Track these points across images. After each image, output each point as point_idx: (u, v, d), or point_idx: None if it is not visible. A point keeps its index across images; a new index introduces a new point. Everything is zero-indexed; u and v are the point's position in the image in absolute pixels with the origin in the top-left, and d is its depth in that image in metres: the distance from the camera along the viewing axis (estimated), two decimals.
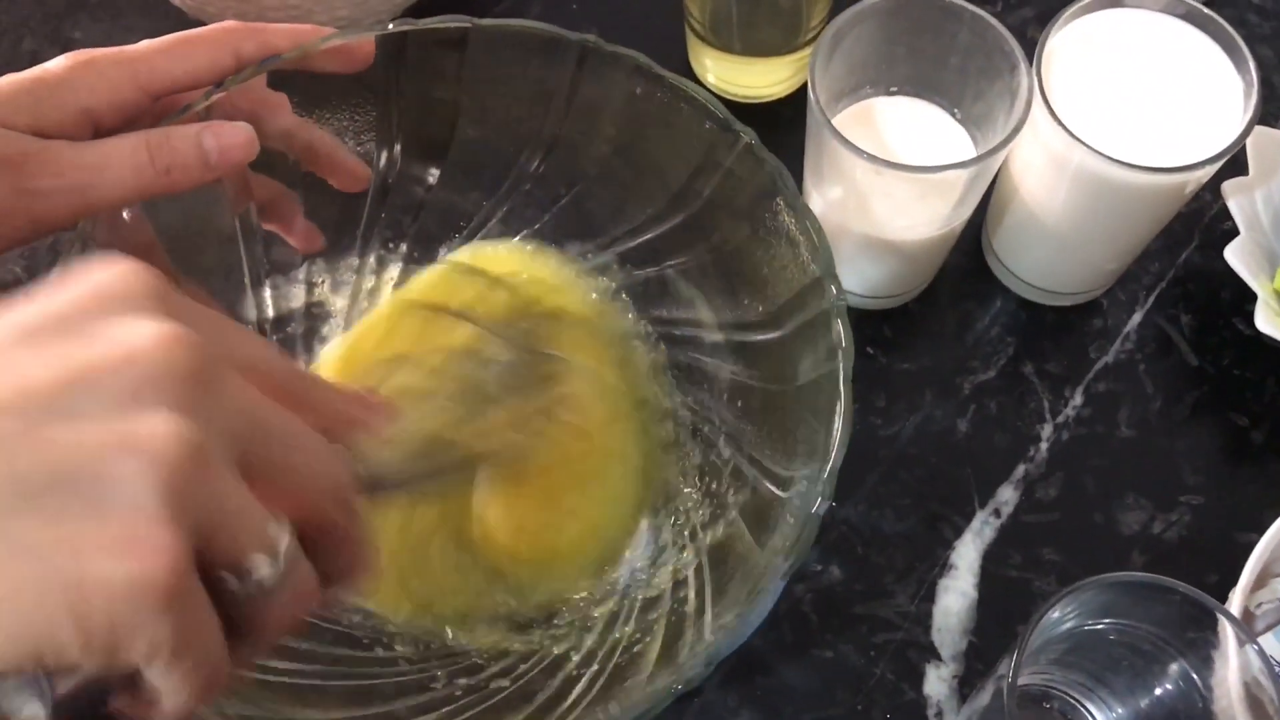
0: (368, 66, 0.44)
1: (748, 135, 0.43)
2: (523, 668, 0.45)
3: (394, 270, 0.53)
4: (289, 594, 0.27)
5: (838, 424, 0.39)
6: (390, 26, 0.44)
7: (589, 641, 0.46)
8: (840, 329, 0.40)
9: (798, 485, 0.41)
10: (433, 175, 0.51)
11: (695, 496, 0.49)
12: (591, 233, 0.52)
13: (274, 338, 0.50)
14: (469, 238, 0.53)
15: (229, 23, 0.42)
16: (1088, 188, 0.48)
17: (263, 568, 0.26)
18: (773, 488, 0.43)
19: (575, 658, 0.45)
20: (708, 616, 0.42)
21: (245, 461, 0.26)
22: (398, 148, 0.49)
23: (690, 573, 0.46)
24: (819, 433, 0.40)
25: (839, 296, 0.40)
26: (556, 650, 0.46)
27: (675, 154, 0.46)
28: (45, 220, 0.37)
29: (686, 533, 0.48)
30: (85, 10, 0.67)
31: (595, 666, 0.44)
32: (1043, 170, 0.50)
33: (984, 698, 0.46)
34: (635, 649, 0.44)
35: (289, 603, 0.27)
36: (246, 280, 0.49)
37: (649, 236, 0.50)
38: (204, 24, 0.61)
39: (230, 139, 0.39)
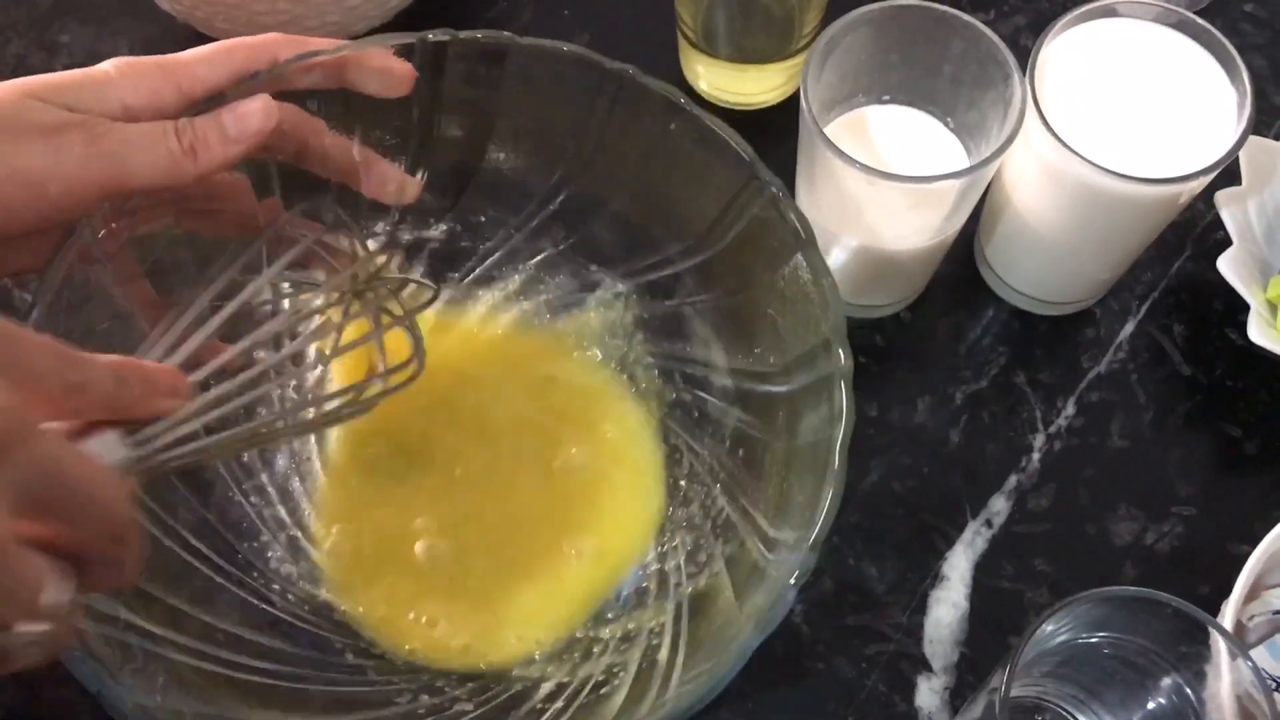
0: (410, 90, 0.44)
1: (775, 185, 0.43)
2: (489, 693, 0.45)
3: (416, 273, 0.53)
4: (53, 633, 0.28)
5: (827, 495, 0.38)
6: (430, 36, 0.44)
7: (560, 674, 0.45)
8: (843, 397, 0.39)
9: (781, 551, 0.40)
10: (460, 188, 0.51)
11: (685, 541, 0.49)
12: (613, 260, 0.52)
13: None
14: (492, 252, 0.53)
15: (272, 34, 0.43)
16: (1080, 198, 0.48)
17: (29, 629, 0.27)
18: (760, 547, 0.43)
19: (544, 689, 0.45)
20: (678, 668, 0.42)
21: (30, 508, 0.27)
22: (424, 164, 0.49)
23: (669, 619, 0.45)
24: (810, 499, 0.39)
25: (846, 362, 0.40)
26: (527, 679, 0.45)
27: (703, 193, 0.46)
28: (79, 187, 0.37)
29: (672, 578, 0.48)
30: (73, 14, 0.66)
31: (560, 703, 0.43)
32: (1036, 180, 0.50)
33: (976, 710, 0.46)
34: (603, 690, 0.43)
35: (51, 639, 0.28)
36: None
37: (671, 271, 0.50)
38: (193, 29, 0.61)
39: (246, 106, 0.40)
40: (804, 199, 0.52)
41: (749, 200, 0.44)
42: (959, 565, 0.53)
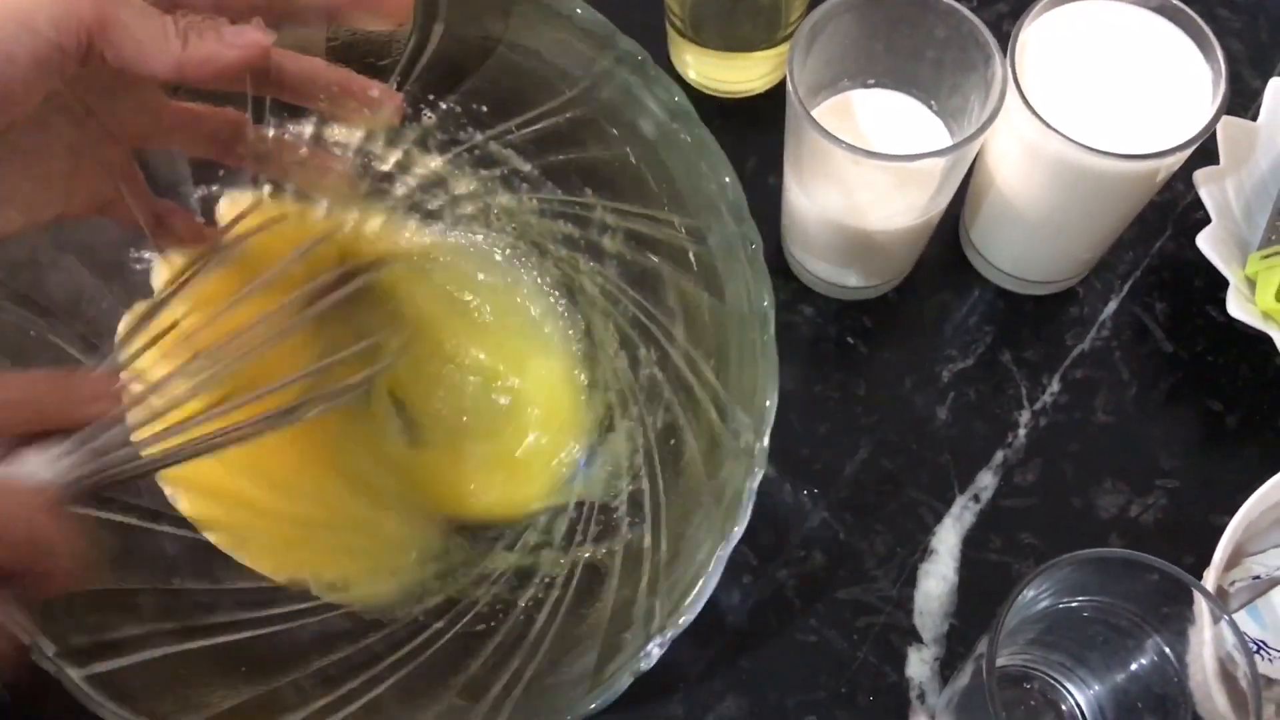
0: (407, 20, 0.42)
1: (639, 54, 0.43)
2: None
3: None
4: None
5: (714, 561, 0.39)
6: None
7: (449, 590, 0.47)
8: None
9: (659, 595, 0.41)
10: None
11: (596, 506, 0.49)
12: (492, 121, 0.51)
13: None
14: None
15: None
16: (1061, 176, 0.49)
17: None
18: (650, 566, 0.44)
19: (429, 602, 0.46)
20: (543, 649, 0.43)
21: None
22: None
23: (561, 576, 0.47)
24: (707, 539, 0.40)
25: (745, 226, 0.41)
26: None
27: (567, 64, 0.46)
28: (67, 22, 0.35)
29: (578, 534, 0.49)
30: None
31: (441, 624, 0.45)
32: (1018, 160, 0.51)
33: (964, 678, 0.47)
34: (479, 627, 0.45)
35: None
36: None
37: (548, 124, 0.49)
38: None
39: (242, 27, 0.38)
40: (792, 183, 0.53)
41: (612, 67, 0.44)
42: (947, 539, 0.54)
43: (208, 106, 0.44)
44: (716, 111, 0.63)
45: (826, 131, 0.46)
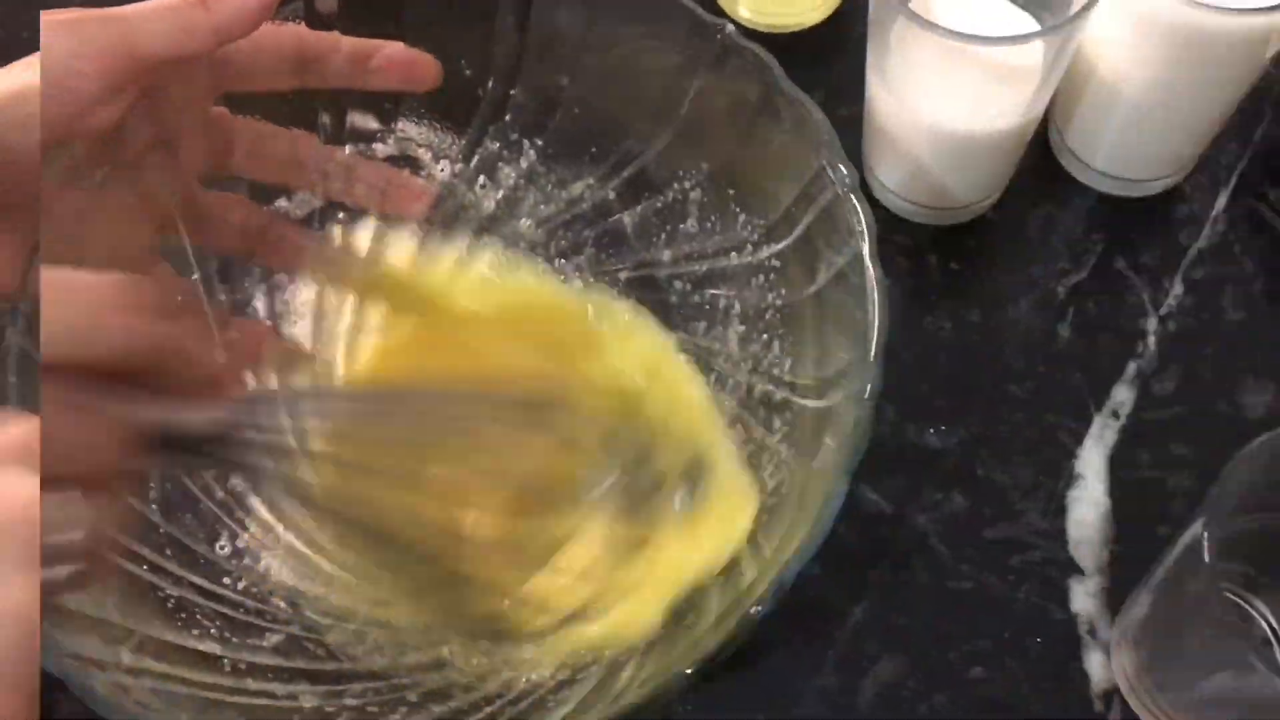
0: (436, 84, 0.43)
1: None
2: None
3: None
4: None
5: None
6: None
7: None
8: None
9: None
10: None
11: None
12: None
13: None
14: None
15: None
16: (1173, 47, 0.46)
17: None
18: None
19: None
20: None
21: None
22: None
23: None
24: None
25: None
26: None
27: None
28: (103, 72, 0.35)
29: None
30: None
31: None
32: (1123, 40, 0.47)
33: (1141, 608, 0.43)
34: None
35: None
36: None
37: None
38: None
39: None
40: (880, 92, 0.49)
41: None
42: (1093, 461, 0.50)
43: (272, 125, 0.43)
44: (775, 49, 0.60)
45: (922, 19, 0.43)
